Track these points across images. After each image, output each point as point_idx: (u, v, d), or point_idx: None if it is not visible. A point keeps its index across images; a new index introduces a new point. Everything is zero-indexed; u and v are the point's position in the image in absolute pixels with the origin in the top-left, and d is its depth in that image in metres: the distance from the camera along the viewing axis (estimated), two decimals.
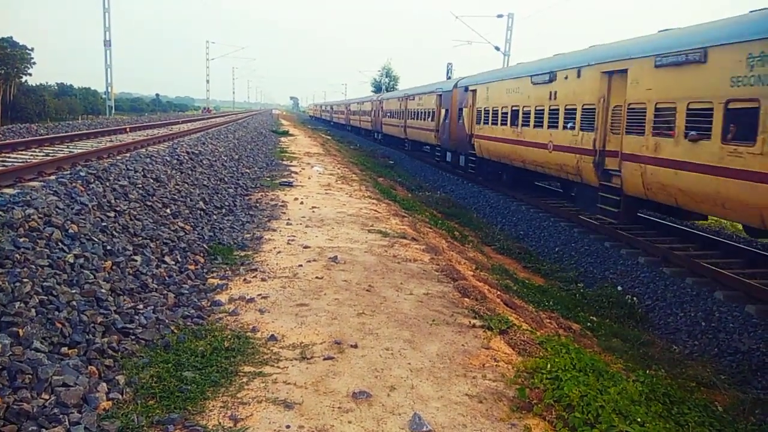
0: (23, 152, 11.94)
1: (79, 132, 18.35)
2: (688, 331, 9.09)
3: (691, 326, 9.15)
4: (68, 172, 8.45)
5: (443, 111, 27.21)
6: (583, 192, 15.24)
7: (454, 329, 5.79)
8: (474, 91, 22.38)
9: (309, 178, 17.54)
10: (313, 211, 11.89)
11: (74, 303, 4.76)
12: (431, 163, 31.32)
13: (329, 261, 8.00)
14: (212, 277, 7.02)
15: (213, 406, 4.01)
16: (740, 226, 14.34)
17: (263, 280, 7.02)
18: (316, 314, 5.93)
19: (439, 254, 9.36)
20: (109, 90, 42.19)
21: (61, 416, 3.53)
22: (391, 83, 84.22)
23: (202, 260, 7.55)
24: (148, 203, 8.44)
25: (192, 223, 8.88)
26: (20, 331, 4.04)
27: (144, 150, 13.00)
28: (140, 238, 7.03)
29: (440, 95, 27.82)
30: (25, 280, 4.56)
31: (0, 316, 4.10)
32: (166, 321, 5.29)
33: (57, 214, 6.03)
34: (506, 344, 5.59)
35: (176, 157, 12.37)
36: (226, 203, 11.45)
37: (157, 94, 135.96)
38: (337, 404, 4.14)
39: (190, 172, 11.87)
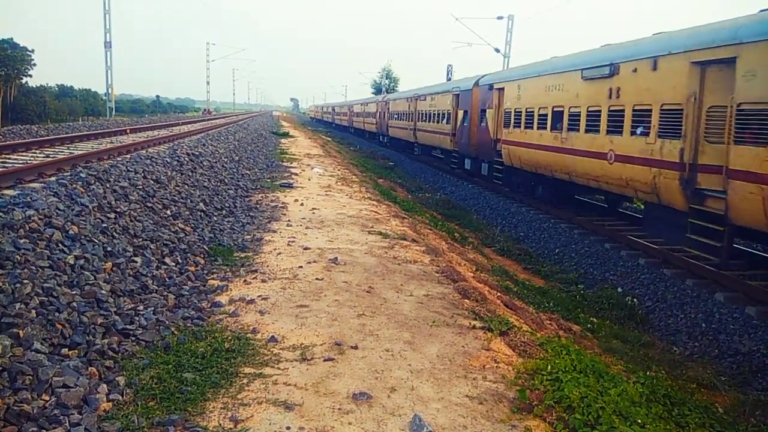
0: (24, 153, 11.94)
1: (80, 133, 18.36)
2: (688, 333, 9.09)
3: (692, 328, 9.15)
4: (69, 173, 8.45)
5: (461, 113, 24.40)
6: (659, 215, 11.99)
7: (455, 330, 5.79)
8: (500, 89, 19.58)
9: (309, 180, 17.54)
10: (314, 213, 11.90)
11: (74, 304, 4.77)
12: (445, 169, 28.44)
13: (329, 262, 8.00)
14: (212, 279, 7.02)
15: (213, 407, 4.01)
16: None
17: (263, 281, 7.02)
18: (316, 315, 5.93)
19: (440, 256, 9.36)
20: (110, 91, 42.24)
21: (61, 417, 3.53)
22: (391, 84, 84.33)
23: (202, 261, 7.55)
24: (149, 204, 8.45)
25: (192, 225, 8.88)
26: (21, 332, 4.04)
27: (144, 151, 13.00)
28: (140, 239, 7.03)
29: (457, 95, 25.15)
30: (25, 281, 4.57)
31: (0, 317, 4.10)
32: (167, 322, 5.29)
33: (57, 216, 6.03)
34: (506, 345, 5.59)
35: (177, 158, 12.38)
36: (227, 204, 11.45)
37: (158, 96, 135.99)
38: (337, 405, 4.14)
39: (190, 174, 11.87)
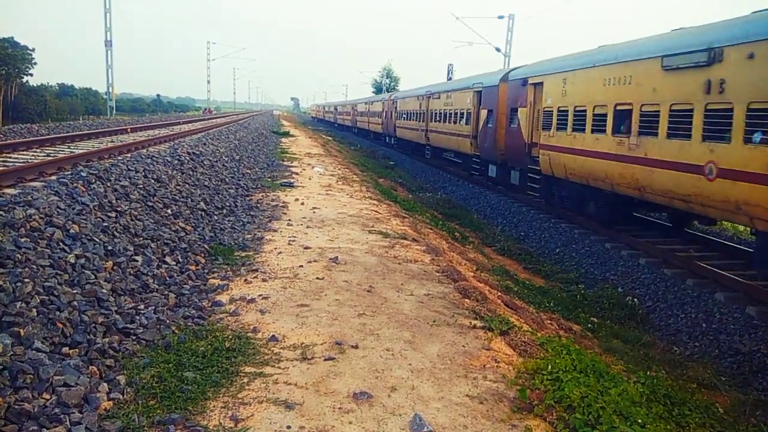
0: (24, 152, 11.95)
1: (80, 132, 18.37)
2: (688, 333, 9.09)
3: (692, 328, 9.15)
4: (69, 172, 8.46)
5: (484, 112, 21.23)
6: None
7: (455, 330, 5.79)
8: (537, 84, 16.59)
9: (310, 179, 17.54)
10: (314, 212, 11.90)
11: (75, 303, 4.77)
12: (463, 176, 25.51)
13: (330, 262, 8.01)
14: (213, 278, 7.03)
15: (214, 406, 4.01)
16: (741, 228, 14.23)
17: (264, 280, 7.03)
18: (316, 315, 5.93)
19: (440, 255, 9.36)
20: (110, 90, 42.22)
21: (62, 416, 3.53)
22: (392, 84, 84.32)
23: (203, 261, 7.55)
24: (149, 204, 8.45)
25: (193, 224, 8.89)
26: (21, 331, 4.05)
27: (145, 150, 13.01)
28: (141, 238, 7.04)
29: (479, 92, 22.00)
30: (26, 280, 4.57)
31: (1, 316, 4.10)
32: (167, 321, 5.29)
33: (58, 215, 6.04)
34: (507, 345, 5.59)
35: (177, 157, 12.38)
36: (227, 204, 11.45)
37: (158, 95, 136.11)
38: (337, 405, 4.14)
39: (191, 173, 11.88)
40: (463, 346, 5.40)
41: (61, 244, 5.54)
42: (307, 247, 8.76)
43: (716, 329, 8.81)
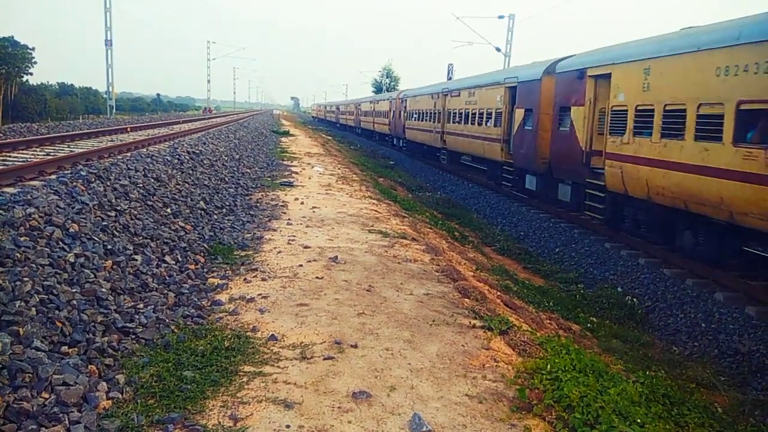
0: (24, 151, 11.94)
1: (80, 131, 18.36)
2: (688, 333, 9.09)
3: (691, 327, 9.15)
4: (69, 171, 8.45)
5: (520, 112, 17.97)
6: None
7: (454, 330, 5.79)
8: (601, 77, 13.26)
9: (309, 178, 17.54)
10: (314, 211, 11.90)
11: (74, 302, 4.77)
12: (488, 185, 22.37)
13: (329, 261, 8.01)
14: (212, 277, 7.02)
15: (213, 405, 4.01)
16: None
17: (263, 279, 7.03)
18: (316, 314, 5.93)
19: (440, 255, 9.36)
20: (110, 90, 42.21)
21: (61, 415, 3.53)
22: (392, 83, 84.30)
23: (202, 260, 7.55)
24: (149, 203, 8.45)
25: (192, 223, 8.88)
26: (20, 330, 4.05)
27: (145, 150, 13.00)
28: (141, 237, 7.04)
29: (512, 88, 18.79)
30: (25, 279, 4.57)
31: (1, 315, 4.10)
32: (167, 320, 5.29)
33: (58, 214, 6.04)
34: (506, 345, 5.59)
35: (177, 156, 12.38)
36: (227, 203, 11.45)
37: (158, 94, 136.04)
38: (337, 404, 4.15)
39: (190, 172, 11.87)
40: (462, 345, 5.40)
41: (60, 243, 5.53)
42: (306, 247, 8.76)
43: (715, 329, 8.82)
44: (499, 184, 20.82)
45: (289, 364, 4.74)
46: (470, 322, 6.03)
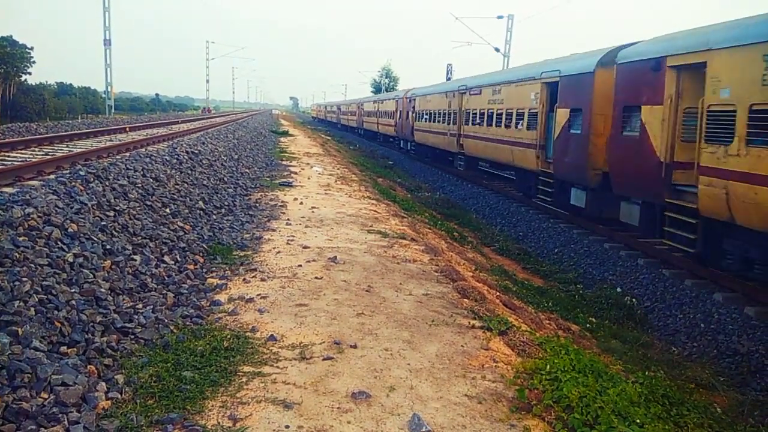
0: (23, 151, 11.93)
1: (79, 131, 18.35)
2: (687, 333, 9.10)
3: (691, 328, 9.16)
4: (68, 171, 8.45)
5: (563, 112, 14.87)
6: None
7: (454, 330, 5.79)
8: (689, 67, 10.11)
9: (308, 179, 17.53)
10: (313, 212, 11.89)
11: (73, 302, 4.76)
12: (518, 198, 19.47)
13: (329, 261, 8.00)
14: (211, 277, 7.02)
15: (212, 405, 4.01)
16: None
17: (263, 280, 7.02)
18: (315, 314, 5.93)
19: (439, 255, 9.36)
20: (109, 89, 42.21)
21: (60, 415, 3.52)
22: (391, 84, 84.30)
23: (201, 260, 7.54)
24: (148, 203, 8.44)
25: (191, 223, 8.88)
26: (19, 330, 4.04)
27: (143, 149, 13.00)
28: (139, 237, 7.03)
29: (552, 84, 15.80)
30: (24, 279, 4.56)
31: None
32: (166, 320, 5.28)
33: (56, 213, 6.03)
34: (505, 345, 5.59)
35: (176, 156, 12.37)
36: (226, 203, 11.44)
37: (157, 94, 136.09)
38: (336, 404, 4.14)
39: (189, 172, 11.86)
40: (461, 345, 5.40)
41: (59, 243, 5.53)
42: (305, 247, 8.76)
43: (715, 329, 8.82)
44: (532, 198, 17.77)
45: (289, 365, 4.74)
46: (469, 323, 6.03)
